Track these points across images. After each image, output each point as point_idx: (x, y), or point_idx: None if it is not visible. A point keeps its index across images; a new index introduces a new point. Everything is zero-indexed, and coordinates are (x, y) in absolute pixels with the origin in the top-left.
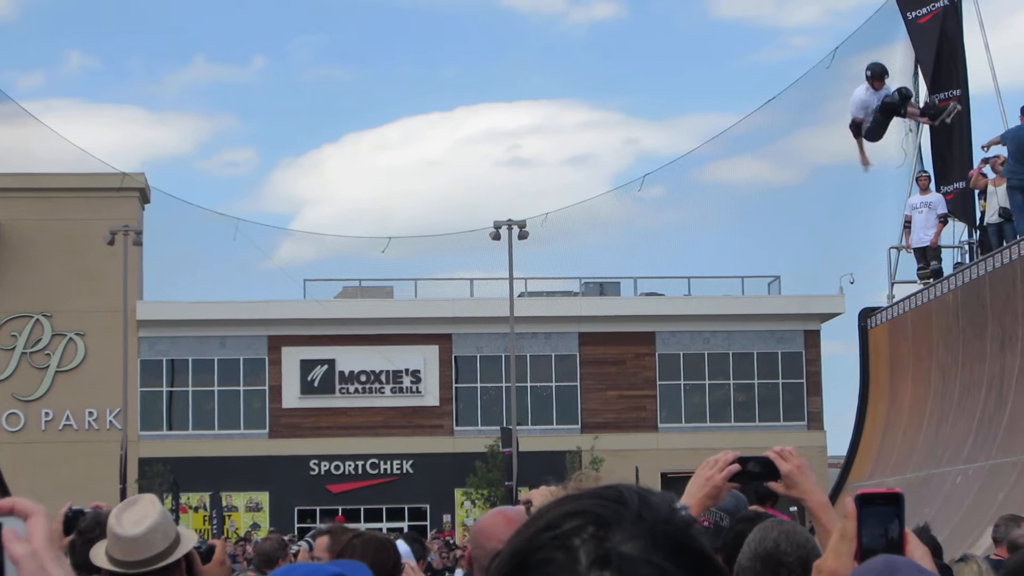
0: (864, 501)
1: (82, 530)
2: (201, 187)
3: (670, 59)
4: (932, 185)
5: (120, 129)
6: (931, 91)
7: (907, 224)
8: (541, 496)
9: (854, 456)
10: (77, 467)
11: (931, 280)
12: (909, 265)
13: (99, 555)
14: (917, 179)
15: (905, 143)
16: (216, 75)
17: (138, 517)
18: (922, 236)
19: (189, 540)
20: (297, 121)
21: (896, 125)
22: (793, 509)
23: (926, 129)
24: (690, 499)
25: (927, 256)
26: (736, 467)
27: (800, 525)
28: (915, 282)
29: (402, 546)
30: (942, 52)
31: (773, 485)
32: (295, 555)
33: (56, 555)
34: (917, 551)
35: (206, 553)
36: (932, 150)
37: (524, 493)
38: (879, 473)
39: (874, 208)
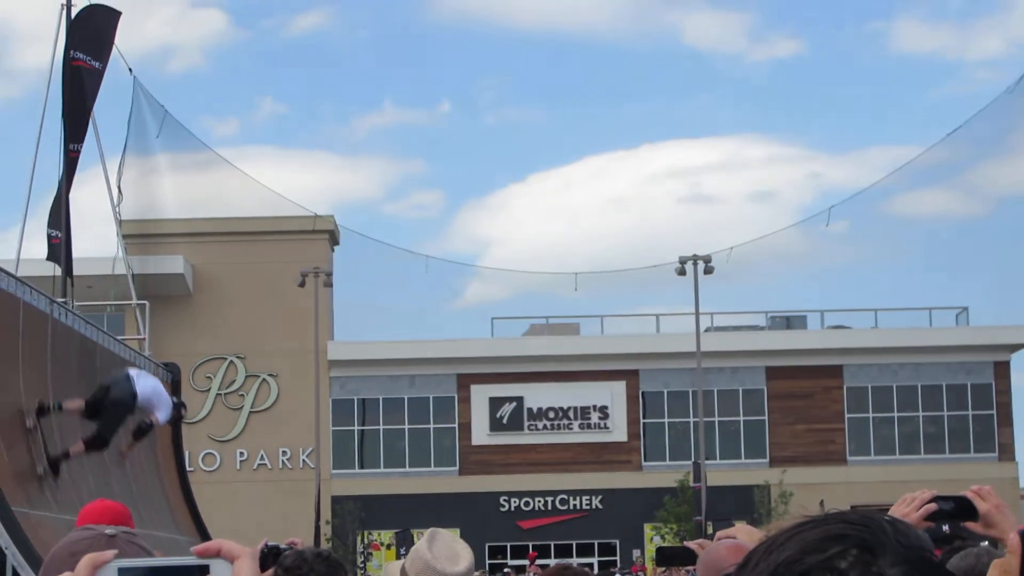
0: None
1: (288, 567)
2: (389, 229)
3: (852, 94)
4: None
5: (310, 173)
6: None
7: None
8: (744, 533)
9: None
10: (272, 505)
11: None
12: None
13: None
14: None
15: None
16: (404, 119)
17: (450, 554)
18: None
19: None
20: (483, 162)
21: None
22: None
23: None
24: None
25: None
26: (933, 506)
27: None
28: None
29: None
30: None
31: (971, 525)
32: None
33: None
34: None
35: None
36: None
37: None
38: None
39: None
